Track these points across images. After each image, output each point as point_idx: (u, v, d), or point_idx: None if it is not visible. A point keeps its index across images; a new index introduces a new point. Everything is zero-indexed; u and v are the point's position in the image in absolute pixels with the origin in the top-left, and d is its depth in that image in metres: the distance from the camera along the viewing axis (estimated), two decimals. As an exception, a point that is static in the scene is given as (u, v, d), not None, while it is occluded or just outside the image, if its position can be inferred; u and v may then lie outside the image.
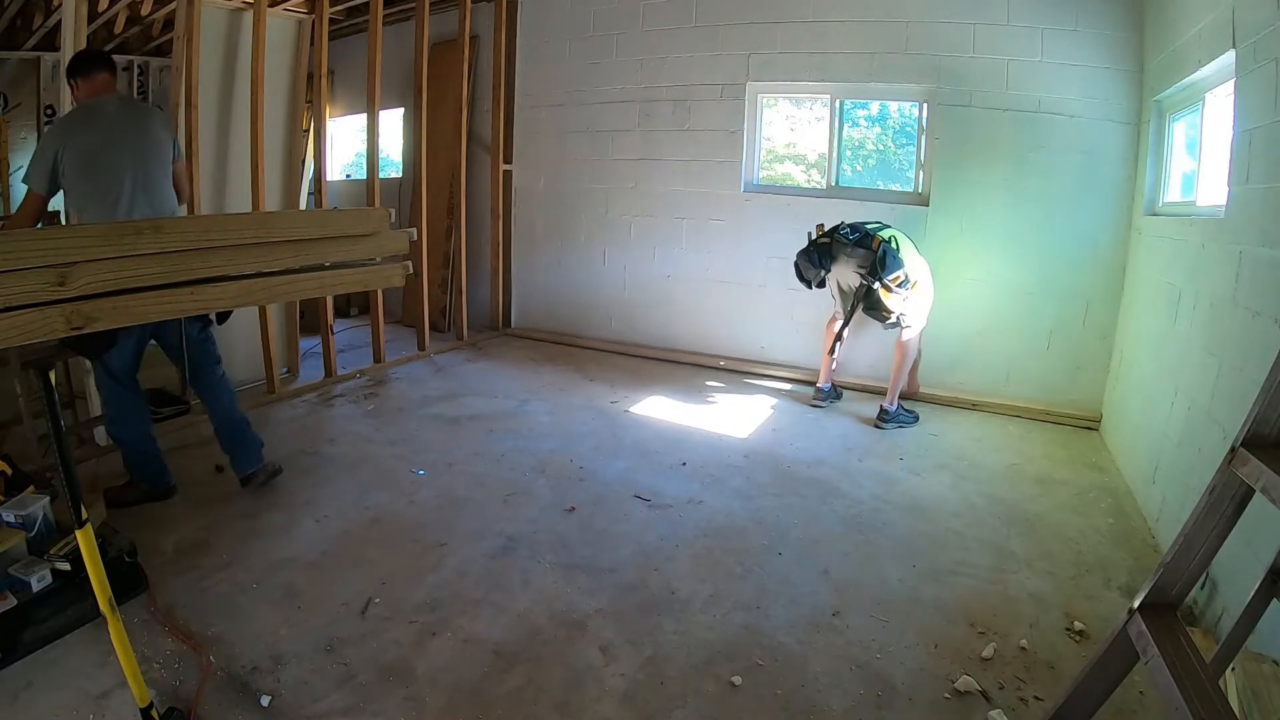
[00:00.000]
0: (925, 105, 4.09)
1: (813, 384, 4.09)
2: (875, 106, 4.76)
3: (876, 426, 3.68)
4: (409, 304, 5.09)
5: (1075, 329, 3.82)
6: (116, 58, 5.92)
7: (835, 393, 4.08)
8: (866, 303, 3.58)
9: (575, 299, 5.26)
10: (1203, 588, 2.06)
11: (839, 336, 3.79)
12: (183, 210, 2.77)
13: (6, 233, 1.47)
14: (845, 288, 3.69)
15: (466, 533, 2.52)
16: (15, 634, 1.79)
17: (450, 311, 5.43)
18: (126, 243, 1.33)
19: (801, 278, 3.79)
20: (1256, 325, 2.00)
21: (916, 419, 3.78)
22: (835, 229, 3.67)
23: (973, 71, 3.85)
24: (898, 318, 3.57)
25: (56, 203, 2.47)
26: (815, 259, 3.69)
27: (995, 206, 3.91)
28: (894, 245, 3.48)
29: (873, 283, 3.48)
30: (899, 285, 3.47)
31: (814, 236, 3.74)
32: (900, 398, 3.79)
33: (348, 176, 6.74)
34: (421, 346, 4.86)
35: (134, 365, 2.53)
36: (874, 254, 3.46)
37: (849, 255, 3.57)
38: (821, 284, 3.78)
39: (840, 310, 3.81)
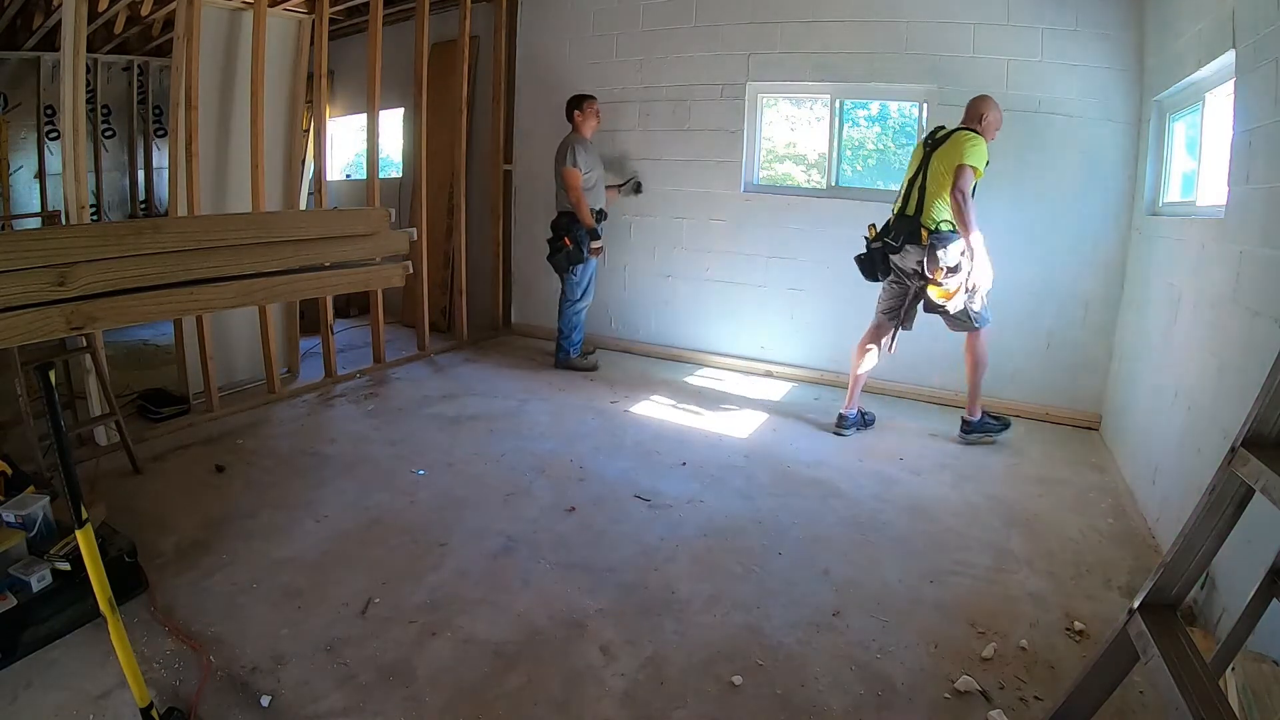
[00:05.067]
0: (925, 105, 4.09)
1: (814, 384, 4.06)
2: (875, 106, 4.76)
3: (960, 440, 3.50)
4: (409, 304, 5.09)
5: (1075, 329, 3.82)
6: (115, 58, 5.97)
7: (864, 419, 3.67)
8: (926, 304, 3.34)
9: (575, 299, 5.25)
10: (1203, 588, 2.06)
11: (874, 341, 3.52)
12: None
13: (6, 233, 1.47)
14: (907, 285, 3.41)
15: (466, 533, 2.52)
16: (15, 634, 1.79)
17: (450, 311, 5.42)
18: (127, 243, 1.33)
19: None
20: (1256, 325, 2.00)
21: (1006, 426, 3.51)
22: (884, 230, 3.39)
23: (973, 71, 3.84)
24: (965, 308, 3.25)
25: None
26: (869, 266, 3.46)
27: (995, 206, 3.89)
28: (944, 230, 3.18)
29: (923, 285, 3.25)
30: (947, 276, 3.15)
31: (868, 239, 3.48)
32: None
33: (348, 176, 6.74)
34: (421, 346, 4.86)
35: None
36: (923, 249, 3.21)
37: (903, 255, 3.32)
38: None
39: (883, 319, 3.52)
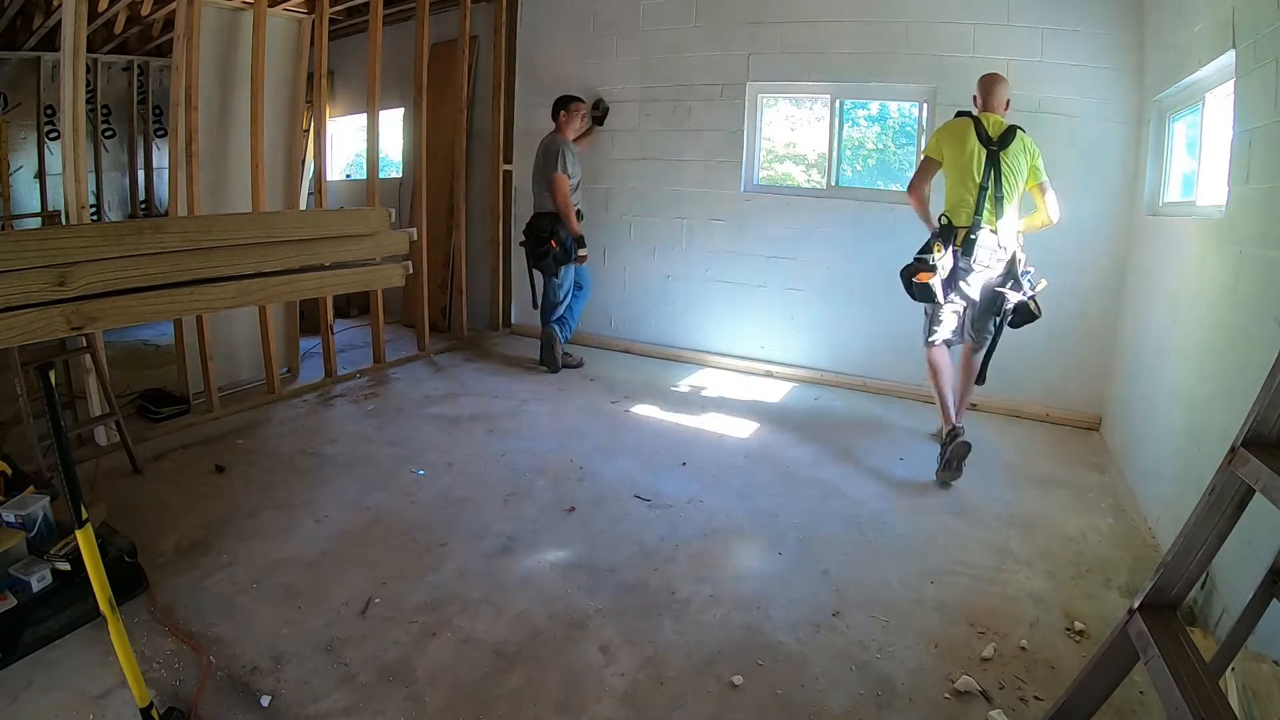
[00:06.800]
0: (925, 105, 4.09)
1: (813, 384, 4.05)
2: (875, 106, 4.76)
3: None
4: (409, 304, 5.08)
5: (1075, 329, 3.81)
6: (115, 58, 5.97)
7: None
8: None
9: (575, 299, 5.26)
10: (1203, 588, 2.06)
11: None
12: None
13: (6, 233, 1.47)
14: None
15: (466, 533, 2.52)
16: (15, 634, 1.79)
17: (450, 311, 5.42)
18: (127, 243, 1.33)
19: None
20: (1256, 325, 2.00)
21: (945, 458, 3.05)
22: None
23: (973, 71, 3.81)
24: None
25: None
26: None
27: (995, 206, 3.90)
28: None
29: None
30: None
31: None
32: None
33: (348, 176, 6.74)
34: (421, 346, 4.86)
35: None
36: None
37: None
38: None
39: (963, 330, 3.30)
